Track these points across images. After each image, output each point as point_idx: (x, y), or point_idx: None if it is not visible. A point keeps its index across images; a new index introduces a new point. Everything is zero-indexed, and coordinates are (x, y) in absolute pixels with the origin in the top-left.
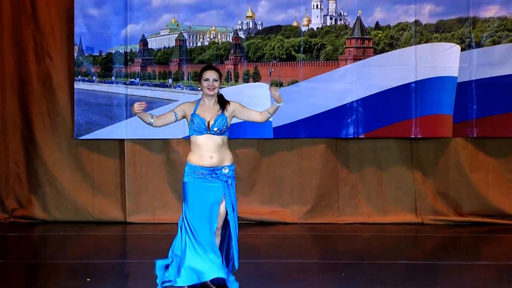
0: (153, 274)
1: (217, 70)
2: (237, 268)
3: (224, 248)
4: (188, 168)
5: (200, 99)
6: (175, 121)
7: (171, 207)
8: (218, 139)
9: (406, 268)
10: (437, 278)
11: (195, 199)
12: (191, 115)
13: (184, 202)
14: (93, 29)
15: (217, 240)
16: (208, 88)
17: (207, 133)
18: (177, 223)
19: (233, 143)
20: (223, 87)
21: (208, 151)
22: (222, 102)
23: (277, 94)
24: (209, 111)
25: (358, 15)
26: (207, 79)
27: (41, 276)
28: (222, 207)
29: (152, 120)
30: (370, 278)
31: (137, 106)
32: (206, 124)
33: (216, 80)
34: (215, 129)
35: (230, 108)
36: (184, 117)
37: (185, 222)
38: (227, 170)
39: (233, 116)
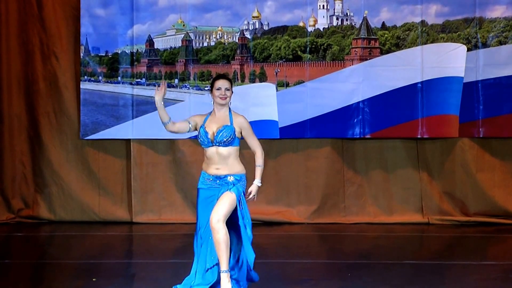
0: (158, 274)
1: (229, 80)
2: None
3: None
4: (201, 175)
5: (211, 112)
6: (188, 131)
7: (177, 207)
8: (224, 150)
9: (412, 268)
10: (443, 278)
11: (202, 205)
12: (200, 127)
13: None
14: (99, 29)
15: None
16: (220, 97)
17: (212, 145)
18: (185, 223)
19: (240, 143)
20: None
21: (214, 163)
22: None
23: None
24: (216, 123)
25: (365, 15)
26: (219, 88)
27: (47, 276)
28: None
29: (168, 122)
30: (376, 278)
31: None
32: (210, 137)
33: (228, 90)
34: (219, 140)
35: (238, 122)
36: (195, 128)
37: (196, 227)
38: (232, 179)
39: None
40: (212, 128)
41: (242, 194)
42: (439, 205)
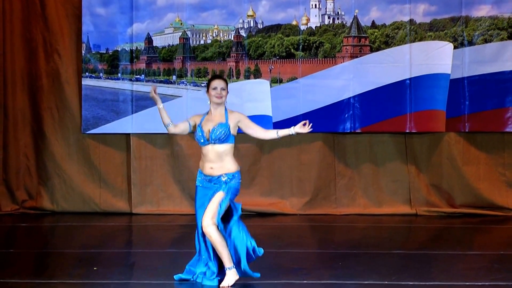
0: (157, 263)
1: (224, 80)
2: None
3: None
4: (198, 173)
5: (208, 111)
6: (189, 132)
7: (175, 198)
8: (219, 148)
9: (400, 258)
10: (430, 267)
11: (198, 204)
12: (197, 126)
13: None
14: (100, 27)
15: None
16: (216, 97)
17: (208, 143)
18: (182, 214)
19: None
20: None
21: (209, 161)
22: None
23: (306, 125)
24: (212, 121)
25: (355, 14)
26: (215, 88)
27: (50, 265)
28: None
29: (170, 125)
30: (366, 267)
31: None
32: (205, 136)
33: (223, 89)
34: (214, 137)
35: (233, 117)
36: (195, 127)
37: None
38: (225, 178)
39: (238, 127)
40: (208, 126)
41: (234, 190)
42: (426, 197)
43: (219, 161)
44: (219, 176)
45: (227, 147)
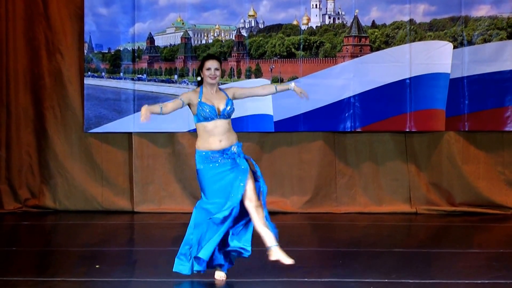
0: (159, 261)
1: (218, 59)
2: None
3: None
4: (198, 155)
5: (202, 88)
6: (182, 107)
7: (176, 197)
8: (225, 123)
9: (400, 256)
10: (430, 265)
11: (212, 183)
12: (198, 103)
13: (201, 190)
14: (102, 27)
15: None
16: (210, 77)
17: (216, 118)
18: (184, 213)
19: None
20: (226, 83)
21: (217, 135)
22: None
23: (303, 93)
24: (214, 98)
25: (355, 14)
26: (209, 68)
27: (52, 263)
28: (246, 186)
29: (161, 110)
30: (366, 265)
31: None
32: (217, 110)
33: (217, 69)
34: (226, 113)
35: (230, 93)
36: (189, 104)
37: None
38: (235, 148)
39: (235, 99)
40: (216, 103)
41: (245, 159)
42: (426, 196)
43: (225, 134)
44: (229, 147)
45: (229, 121)
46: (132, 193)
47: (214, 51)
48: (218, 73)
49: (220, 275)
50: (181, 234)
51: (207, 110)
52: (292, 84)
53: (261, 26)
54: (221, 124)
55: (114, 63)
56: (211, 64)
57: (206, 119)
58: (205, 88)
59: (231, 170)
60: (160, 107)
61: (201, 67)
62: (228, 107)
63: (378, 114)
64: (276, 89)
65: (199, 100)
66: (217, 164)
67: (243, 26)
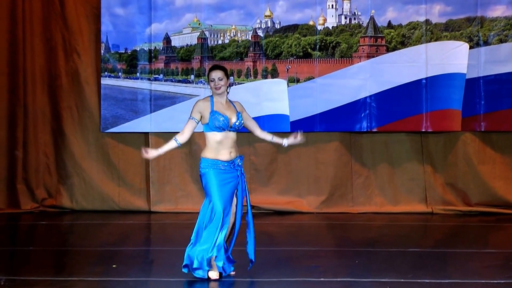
0: (175, 261)
1: (222, 68)
2: (253, 262)
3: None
4: (205, 163)
5: (212, 97)
6: (197, 125)
7: (193, 197)
8: (234, 135)
9: (416, 256)
10: (446, 265)
11: (218, 183)
12: (210, 112)
13: (207, 193)
14: (119, 27)
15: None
16: (215, 88)
17: (227, 130)
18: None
19: (252, 136)
20: (243, 83)
21: (227, 147)
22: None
23: (297, 138)
24: (226, 109)
25: (371, 14)
26: (212, 80)
27: (69, 262)
28: (234, 205)
29: (178, 142)
30: (382, 264)
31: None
32: (229, 123)
33: (221, 79)
34: (236, 126)
35: (239, 106)
36: (201, 117)
37: (211, 210)
38: (239, 161)
39: None
40: (229, 114)
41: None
42: (442, 196)
43: (234, 146)
44: (235, 159)
45: (236, 134)
46: (148, 193)
47: (231, 52)
48: (222, 82)
49: (214, 274)
50: None
51: (221, 119)
52: (285, 140)
53: (277, 26)
54: (231, 136)
55: (130, 63)
56: (215, 74)
57: (218, 128)
58: (215, 97)
59: (235, 181)
60: (175, 140)
61: (208, 79)
62: (238, 122)
63: (394, 114)
64: (272, 138)
65: (211, 109)
66: (224, 170)
67: (259, 26)
